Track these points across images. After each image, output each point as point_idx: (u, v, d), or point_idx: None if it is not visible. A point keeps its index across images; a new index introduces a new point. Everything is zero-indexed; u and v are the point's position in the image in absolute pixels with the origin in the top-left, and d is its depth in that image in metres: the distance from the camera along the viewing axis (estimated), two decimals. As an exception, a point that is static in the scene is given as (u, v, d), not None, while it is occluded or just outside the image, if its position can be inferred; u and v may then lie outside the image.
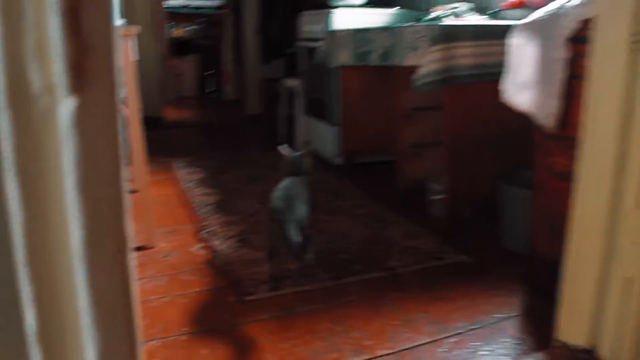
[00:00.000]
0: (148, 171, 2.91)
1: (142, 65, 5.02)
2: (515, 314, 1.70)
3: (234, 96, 7.09)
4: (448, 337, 1.57)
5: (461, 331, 1.60)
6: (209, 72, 8.23)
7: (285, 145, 2.10)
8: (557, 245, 1.78)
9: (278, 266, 1.89)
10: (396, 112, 2.73)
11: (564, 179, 1.61)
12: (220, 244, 2.19)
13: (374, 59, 2.69)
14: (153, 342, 1.52)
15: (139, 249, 2.15)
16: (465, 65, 2.19)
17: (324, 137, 3.61)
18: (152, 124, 5.19)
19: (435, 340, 1.55)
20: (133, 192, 2.67)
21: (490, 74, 2.21)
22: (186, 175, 3.31)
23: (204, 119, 6.06)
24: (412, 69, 2.26)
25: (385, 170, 3.23)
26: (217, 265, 2.01)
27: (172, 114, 6.26)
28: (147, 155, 3.73)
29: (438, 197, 2.50)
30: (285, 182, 1.93)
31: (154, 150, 4.04)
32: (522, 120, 1.79)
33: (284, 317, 1.67)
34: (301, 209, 1.83)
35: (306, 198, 1.91)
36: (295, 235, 1.71)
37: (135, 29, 1.98)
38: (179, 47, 7.76)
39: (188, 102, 7.47)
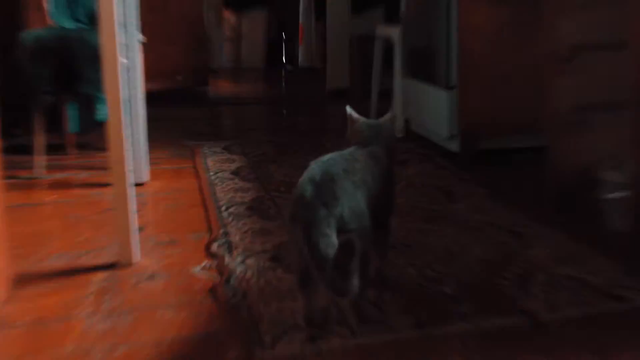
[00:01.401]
0: (147, 159, 2.70)
1: (177, 19, 4.98)
2: None
3: (309, 62, 6.88)
4: None
5: None
6: (282, 36, 8.10)
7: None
8: None
9: (318, 300, 1.50)
10: (546, 56, 2.27)
11: None
12: (238, 264, 1.86)
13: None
14: None
15: (108, 267, 1.85)
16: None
17: (433, 108, 3.26)
18: (190, 98, 5.11)
19: None
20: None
21: None
22: (217, 164, 3.17)
23: (266, 95, 5.94)
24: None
25: (529, 161, 2.78)
26: (222, 297, 1.66)
27: (223, 87, 6.20)
28: (166, 138, 3.62)
29: (616, 194, 2.09)
30: (332, 154, 1.56)
31: (180, 132, 3.92)
32: None
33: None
34: (349, 198, 1.43)
35: (366, 180, 1.53)
36: (325, 244, 1.30)
37: None
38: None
39: (250, 74, 7.40)
